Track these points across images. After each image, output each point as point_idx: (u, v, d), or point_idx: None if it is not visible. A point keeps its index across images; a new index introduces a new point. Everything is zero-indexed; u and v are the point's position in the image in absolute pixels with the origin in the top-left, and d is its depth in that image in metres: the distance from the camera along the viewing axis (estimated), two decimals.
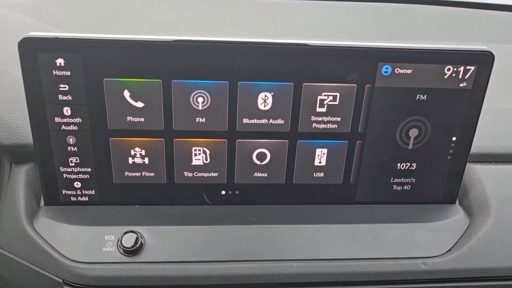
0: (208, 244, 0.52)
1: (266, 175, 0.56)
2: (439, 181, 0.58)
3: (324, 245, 0.53)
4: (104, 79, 0.49)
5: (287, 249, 0.52)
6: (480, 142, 0.62)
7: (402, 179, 0.57)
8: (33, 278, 0.52)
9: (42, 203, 0.55)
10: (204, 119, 0.52)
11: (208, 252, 0.51)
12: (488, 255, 0.53)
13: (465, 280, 0.53)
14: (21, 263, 0.52)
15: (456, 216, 0.57)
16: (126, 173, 0.54)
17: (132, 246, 0.50)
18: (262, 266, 0.51)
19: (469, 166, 0.60)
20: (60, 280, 0.50)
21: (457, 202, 0.59)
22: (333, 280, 0.51)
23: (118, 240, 0.51)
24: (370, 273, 0.52)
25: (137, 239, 0.50)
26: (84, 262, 0.50)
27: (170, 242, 0.52)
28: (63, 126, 0.51)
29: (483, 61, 0.51)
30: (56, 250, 0.50)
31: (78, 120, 0.51)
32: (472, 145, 0.56)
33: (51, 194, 0.55)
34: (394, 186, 0.58)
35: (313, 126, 0.53)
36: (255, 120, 0.52)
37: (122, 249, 0.50)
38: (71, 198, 0.55)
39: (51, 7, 0.85)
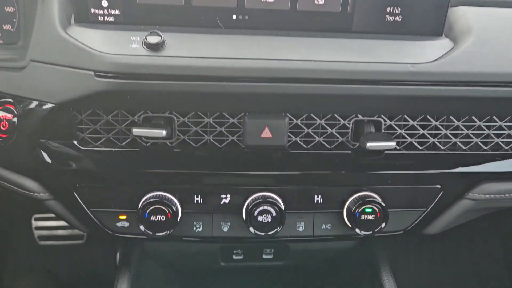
0: (220, 45, 0.59)
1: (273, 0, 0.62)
2: (427, 14, 0.64)
3: (325, 51, 0.60)
4: None
5: (291, 52, 0.59)
6: None
7: (395, 9, 0.64)
8: (66, 80, 0.58)
9: (72, 21, 0.62)
10: None
11: (220, 51, 0.58)
12: (468, 63, 0.60)
13: (448, 84, 0.60)
14: (55, 69, 0.59)
15: (443, 40, 0.64)
16: None
17: (156, 43, 0.56)
18: (267, 62, 0.58)
19: (453, 8, 0.67)
20: (92, 73, 0.57)
21: (443, 35, 0.66)
22: (332, 77, 0.58)
23: (143, 39, 0.57)
24: (364, 72, 0.58)
25: (160, 38, 0.57)
26: (114, 54, 0.56)
27: (187, 43, 0.58)
28: None
29: None
30: (88, 46, 0.57)
31: None
32: None
33: (81, 11, 0.61)
34: (387, 16, 0.64)
35: None
36: None
37: (147, 45, 0.57)
38: (99, 17, 0.61)
39: None
